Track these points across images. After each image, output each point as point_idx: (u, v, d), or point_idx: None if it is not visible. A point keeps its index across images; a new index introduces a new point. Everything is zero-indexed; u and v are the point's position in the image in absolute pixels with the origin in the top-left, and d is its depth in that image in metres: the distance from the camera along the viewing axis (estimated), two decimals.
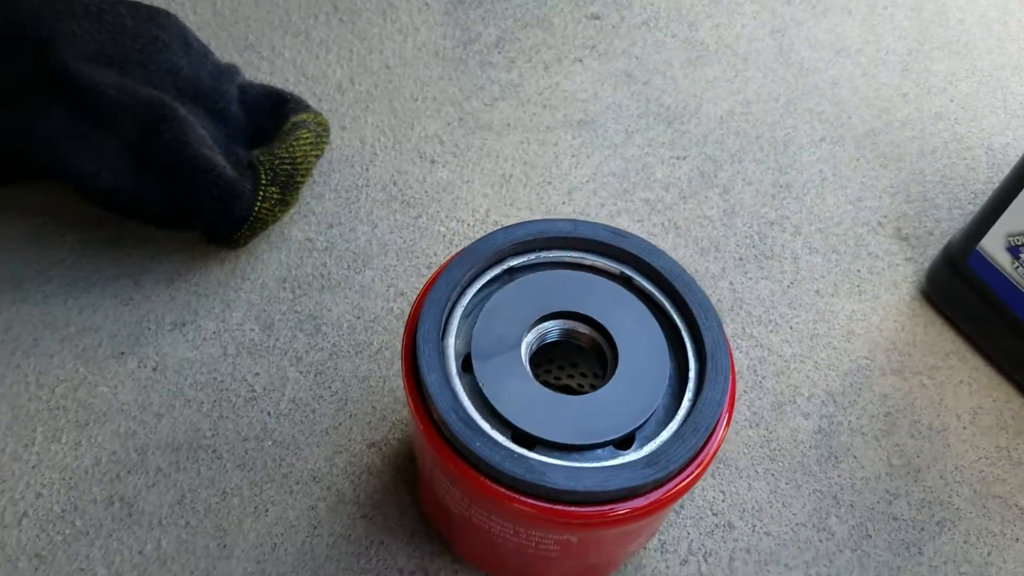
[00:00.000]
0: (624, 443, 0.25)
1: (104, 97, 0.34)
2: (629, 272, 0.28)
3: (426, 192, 0.43)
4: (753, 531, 0.34)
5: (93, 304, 0.38)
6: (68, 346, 0.37)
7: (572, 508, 0.24)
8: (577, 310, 0.27)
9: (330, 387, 0.37)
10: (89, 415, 0.35)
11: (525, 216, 0.42)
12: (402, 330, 0.38)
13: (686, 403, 0.25)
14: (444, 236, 0.42)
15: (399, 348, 0.38)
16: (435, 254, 0.41)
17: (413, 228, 0.42)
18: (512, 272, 0.29)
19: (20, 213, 0.41)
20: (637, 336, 0.27)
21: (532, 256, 0.29)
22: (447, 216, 0.42)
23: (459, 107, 0.47)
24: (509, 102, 0.47)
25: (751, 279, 0.41)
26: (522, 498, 0.24)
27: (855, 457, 0.36)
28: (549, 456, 0.24)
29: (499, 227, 0.29)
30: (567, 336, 0.28)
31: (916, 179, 0.46)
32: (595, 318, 0.27)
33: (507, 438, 0.24)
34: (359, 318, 0.39)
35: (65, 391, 0.36)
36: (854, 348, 0.40)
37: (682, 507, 0.35)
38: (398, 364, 0.37)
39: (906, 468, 0.36)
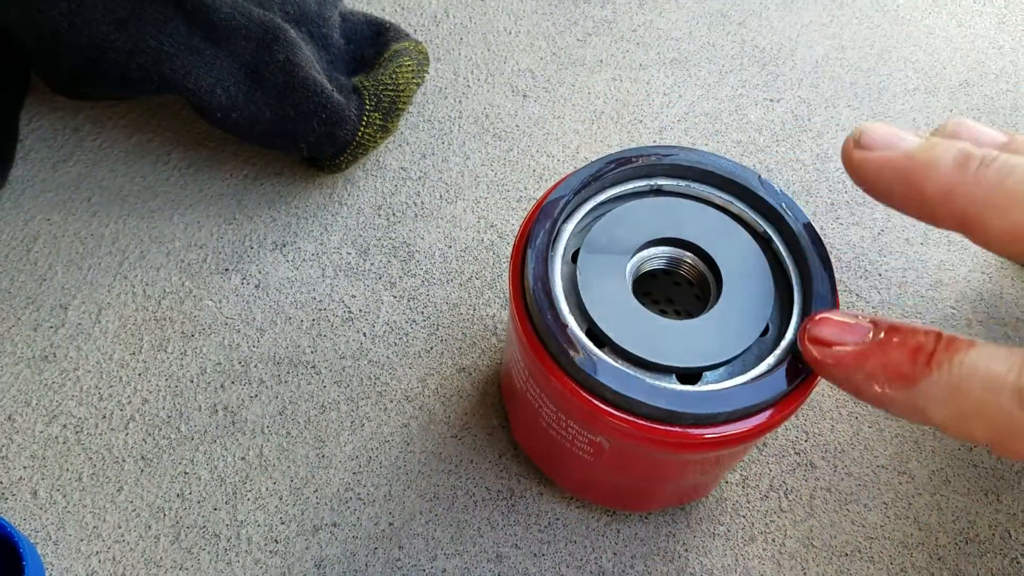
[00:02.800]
0: (730, 367, 0.26)
1: (220, 15, 0.35)
2: (766, 228, 0.29)
3: (517, 126, 0.44)
4: (835, 471, 0.35)
5: (198, 221, 0.39)
6: (174, 260, 0.38)
7: (682, 429, 0.24)
8: (686, 238, 0.28)
9: (422, 312, 0.38)
10: (195, 327, 0.37)
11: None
12: (492, 261, 0.39)
13: (790, 333, 0.26)
14: (534, 170, 0.42)
15: (489, 278, 0.39)
16: (525, 188, 0.41)
17: (504, 161, 0.42)
18: (631, 196, 0.29)
19: (127, 130, 0.42)
20: (743, 268, 0.27)
21: (650, 182, 0.29)
22: (538, 151, 0.43)
23: (552, 42, 0.47)
24: (602, 38, 0.47)
25: (842, 224, 0.41)
26: (630, 418, 0.24)
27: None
28: (656, 378, 0.25)
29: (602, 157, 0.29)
30: (672, 264, 0.28)
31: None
32: (703, 247, 0.27)
33: (614, 359, 0.25)
34: (450, 247, 0.39)
35: (171, 303, 0.37)
36: (941, 297, 0.39)
37: (765, 444, 0.35)
38: (488, 293, 0.38)
39: None
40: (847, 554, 0.33)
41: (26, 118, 0.42)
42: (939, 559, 0.33)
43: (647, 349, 0.25)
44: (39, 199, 0.40)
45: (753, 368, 0.25)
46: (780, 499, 0.34)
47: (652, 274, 0.29)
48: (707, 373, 0.26)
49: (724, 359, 0.25)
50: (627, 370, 0.25)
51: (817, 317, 0.23)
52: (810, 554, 0.33)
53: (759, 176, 0.29)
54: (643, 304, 0.26)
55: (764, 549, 0.33)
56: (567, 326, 0.25)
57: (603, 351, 0.25)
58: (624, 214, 0.28)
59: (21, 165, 0.41)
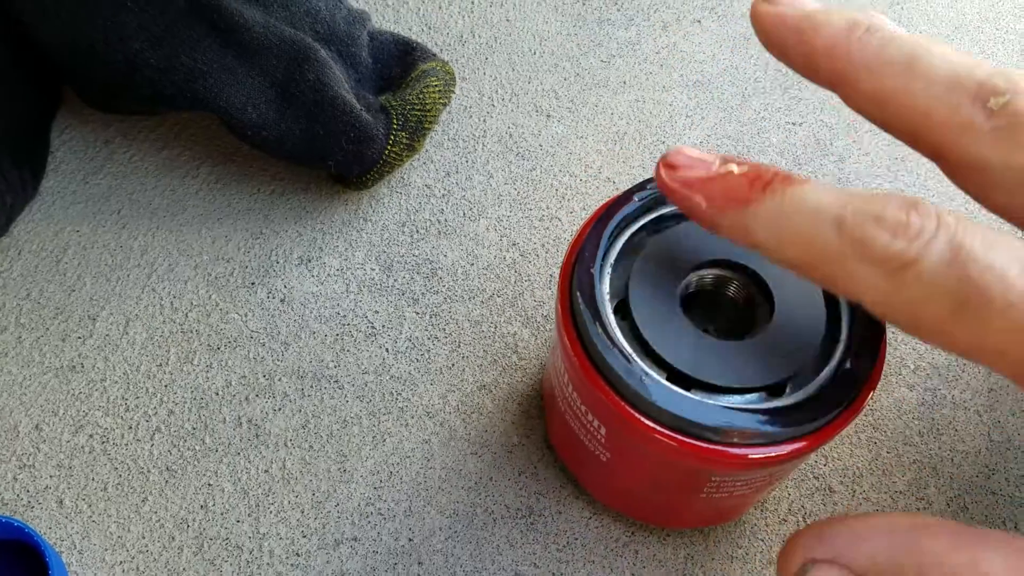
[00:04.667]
0: (776, 390, 0.26)
1: (251, 34, 0.35)
2: None
3: (540, 146, 0.44)
4: (853, 496, 0.35)
5: (225, 235, 0.40)
6: (201, 273, 0.39)
7: (731, 449, 0.25)
8: (734, 260, 0.28)
9: (444, 329, 0.38)
10: (221, 339, 0.37)
11: (639, 175, 0.43)
12: (514, 279, 0.39)
13: (836, 358, 0.26)
14: (556, 190, 0.43)
15: (510, 296, 0.39)
16: (547, 207, 0.42)
17: (527, 180, 0.43)
18: (663, 220, 0.29)
19: (158, 144, 0.43)
20: (794, 293, 0.27)
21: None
22: (560, 170, 0.43)
23: (576, 63, 0.47)
24: (626, 60, 0.47)
25: None
26: (682, 439, 0.25)
27: (956, 430, 0.37)
28: (706, 397, 0.25)
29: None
30: (718, 285, 0.29)
31: None
32: (756, 270, 0.28)
33: (663, 378, 0.25)
34: (473, 265, 0.40)
35: (198, 316, 0.38)
36: None
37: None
38: (509, 311, 0.39)
39: (1006, 444, 0.36)
40: None
41: (57, 130, 0.43)
42: None
43: (694, 367, 0.25)
44: (69, 210, 0.41)
45: (800, 390, 0.26)
46: (799, 523, 0.34)
47: (696, 294, 0.29)
48: (754, 394, 0.26)
49: (772, 381, 0.26)
50: (675, 388, 0.25)
51: (674, 149, 0.24)
52: None
53: None
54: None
55: None
56: (615, 339, 0.25)
57: (650, 366, 0.25)
58: (679, 233, 0.28)
59: (52, 176, 0.42)
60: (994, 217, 0.23)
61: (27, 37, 0.38)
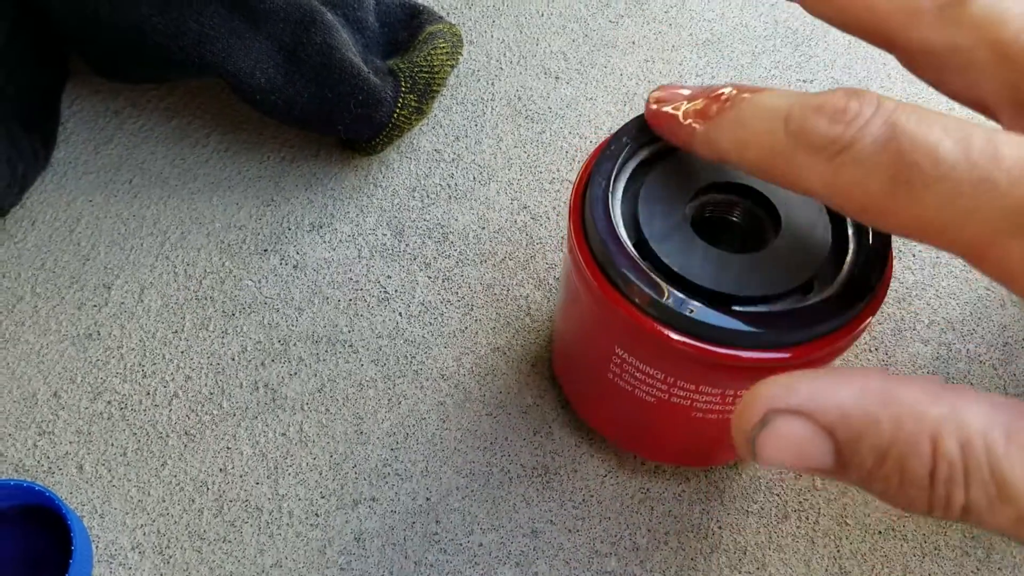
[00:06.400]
0: (805, 289, 0.26)
1: None
2: None
3: (549, 108, 0.44)
4: None
5: (237, 203, 0.40)
6: (214, 241, 0.39)
7: (782, 354, 0.25)
8: (738, 181, 0.28)
9: (457, 292, 0.38)
10: (235, 306, 0.37)
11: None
12: (525, 242, 0.39)
13: (851, 251, 0.27)
14: (567, 152, 0.42)
15: (522, 258, 0.39)
16: (557, 169, 0.42)
17: (536, 143, 0.43)
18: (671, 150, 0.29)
19: (167, 112, 0.43)
20: (797, 206, 0.28)
21: None
22: (570, 132, 0.43)
23: (584, 24, 0.47)
24: (634, 20, 0.47)
25: None
26: (734, 352, 0.25)
27: (972, 384, 0.37)
28: (747, 308, 0.26)
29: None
30: (726, 208, 0.29)
31: None
32: (756, 188, 0.28)
33: (700, 301, 0.25)
34: (484, 228, 0.40)
35: (212, 283, 0.38)
36: (975, 277, 0.39)
37: None
38: (521, 274, 0.39)
39: (1022, 398, 0.36)
40: (880, 532, 0.33)
41: (67, 101, 0.43)
42: (973, 538, 0.33)
43: (709, 279, 0.26)
44: (81, 181, 0.41)
45: (820, 293, 0.26)
46: (812, 480, 0.34)
47: (703, 219, 0.29)
48: (766, 303, 0.26)
49: (787, 288, 0.26)
50: (694, 300, 0.25)
51: (659, 86, 0.27)
52: (843, 532, 0.33)
53: None
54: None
55: (797, 527, 0.33)
56: (634, 257, 0.26)
57: (666, 282, 0.26)
58: (683, 160, 0.28)
59: (63, 147, 0.42)
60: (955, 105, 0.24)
61: (35, 4, 0.38)
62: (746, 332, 0.25)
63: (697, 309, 0.25)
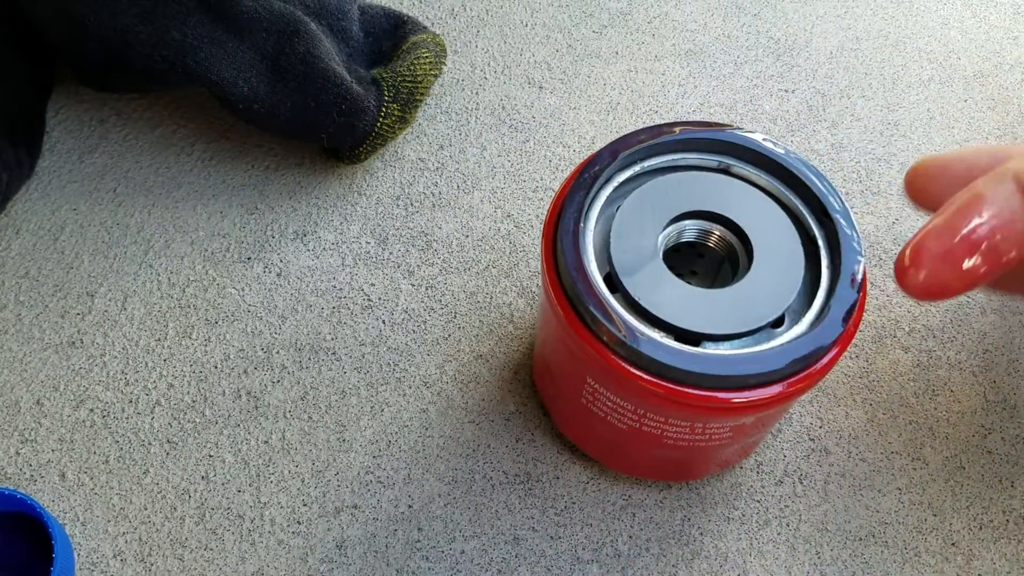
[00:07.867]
0: (776, 324, 0.26)
1: (241, 7, 0.35)
2: (775, 183, 0.29)
3: (533, 117, 0.44)
4: (848, 457, 0.35)
5: (221, 211, 0.40)
6: (198, 249, 0.39)
7: (750, 393, 0.25)
8: (713, 210, 0.28)
9: (440, 300, 0.38)
10: (218, 314, 0.37)
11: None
12: (508, 250, 0.40)
13: (824, 284, 0.27)
14: (550, 161, 0.43)
15: (505, 266, 0.39)
16: (541, 179, 0.42)
17: (520, 152, 0.43)
18: (646, 174, 0.29)
19: (152, 122, 0.43)
20: (774, 241, 0.28)
21: (669, 158, 0.30)
22: (554, 142, 0.43)
23: (568, 34, 0.47)
24: (618, 30, 0.47)
25: (856, 214, 0.41)
26: (701, 392, 0.25)
27: (952, 391, 0.37)
28: (717, 347, 0.26)
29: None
30: (701, 236, 0.29)
31: None
32: (731, 218, 0.28)
33: (671, 339, 0.25)
34: (467, 236, 0.40)
35: (195, 291, 0.38)
36: None
37: (780, 431, 0.36)
38: (504, 281, 0.39)
39: (1002, 404, 0.37)
40: (861, 539, 0.33)
41: (53, 110, 0.43)
42: (953, 544, 0.33)
43: (679, 316, 0.26)
44: (65, 189, 0.41)
45: (789, 330, 0.26)
46: (795, 484, 0.34)
47: (676, 248, 0.29)
48: (738, 340, 0.26)
49: (758, 325, 0.26)
50: (663, 339, 0.25)
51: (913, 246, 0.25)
52: (824, 538, 0.33)
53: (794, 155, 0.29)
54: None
55: (778, 533, 0.33)
56: (602, 296, 0.26)
57: (636, 319, 0.26)
58: (657, 187, 0.28)
59: (48, 156, 0.42)
60: None
61: (21, 15, 0.38)
62: (714, 375, 0.25)
63: (665, 350, 0.25)
